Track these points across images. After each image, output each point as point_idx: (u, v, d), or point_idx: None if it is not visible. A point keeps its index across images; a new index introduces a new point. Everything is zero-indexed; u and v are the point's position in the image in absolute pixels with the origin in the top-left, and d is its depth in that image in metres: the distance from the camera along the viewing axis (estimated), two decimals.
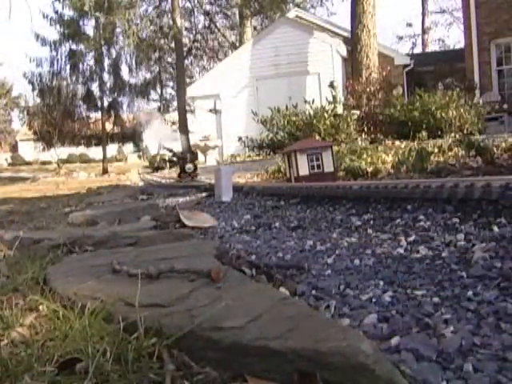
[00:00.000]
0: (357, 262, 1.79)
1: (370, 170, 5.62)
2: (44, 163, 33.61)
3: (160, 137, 18.58)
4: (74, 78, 26.78)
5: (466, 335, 1.06)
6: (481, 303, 1.24)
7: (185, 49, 27.94)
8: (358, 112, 12.70)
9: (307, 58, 17.29)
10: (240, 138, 14.75)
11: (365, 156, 6.72)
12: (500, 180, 2.31)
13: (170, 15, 25.16)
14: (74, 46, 26.48)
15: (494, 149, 5.30)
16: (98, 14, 24.76)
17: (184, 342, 1.03)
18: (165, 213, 3.87)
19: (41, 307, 1.32)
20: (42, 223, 3.78)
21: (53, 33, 27.70)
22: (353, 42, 15.76)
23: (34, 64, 26.03)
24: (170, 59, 31.28)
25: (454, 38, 36.25)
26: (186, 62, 28.64)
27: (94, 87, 27.18)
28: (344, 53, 17.13)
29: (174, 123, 29.23)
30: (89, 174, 22.39)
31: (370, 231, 2.33)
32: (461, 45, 22.04)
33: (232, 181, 5.26)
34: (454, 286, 1.40)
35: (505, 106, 13.36)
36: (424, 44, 34.11)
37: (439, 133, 11.17)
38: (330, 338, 0.93)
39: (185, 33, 28.86)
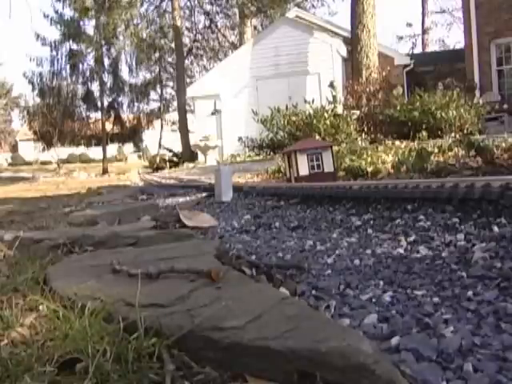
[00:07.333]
0: (357, 261, 1.79)
1: (370, 170, 5.61)
2: (44, 163, 33.59)
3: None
4: (74, 78, 26.85)
5: (466, 335, 1.06)
6: (481, 303, 1.23)
7: (185, 49, 27.94)
8: (357, 112, 12.68)
9: (307, 58, 17.27)
10: (240, 138, 14.74)
11: (365, 156, 6.71)
12: (500, 180, 2.31)
13: (170, 15, 25.17)
14: (74, 46, 26.55)
15: (494, 149, 5.28)
16: (98, 14, 24.79)
17: (184, 341, 1.03)
18: (165, 213, 3.87)
19: (41, 307, 1.32)
20: (42, 223, 3.77)
21: (53, 33, 27.76)
22: (353, 42, 15.75)
23: (34, 63, 26.12)
24: (170, 59, 31.28)
25: (454, 38, 36.08)
26: (186, 61, 28.64)
27: (94, 87, 27.27)
28: (344, 53, 17.11)
29: (173, 123, 29.26)
30: (89, 174, 22.39)
31: (369, 231, 2.33)
32: (461, 45, 22.00)
33: (232, 181, 5.25)
34: (453, 285, 1.40)
35: (505, 106, 13.35)
36: (424, 44, 34.07)
37: (439, 133, 11.15)
38: (330, 338, 0.93)
39: (185, 33, 28.88)
